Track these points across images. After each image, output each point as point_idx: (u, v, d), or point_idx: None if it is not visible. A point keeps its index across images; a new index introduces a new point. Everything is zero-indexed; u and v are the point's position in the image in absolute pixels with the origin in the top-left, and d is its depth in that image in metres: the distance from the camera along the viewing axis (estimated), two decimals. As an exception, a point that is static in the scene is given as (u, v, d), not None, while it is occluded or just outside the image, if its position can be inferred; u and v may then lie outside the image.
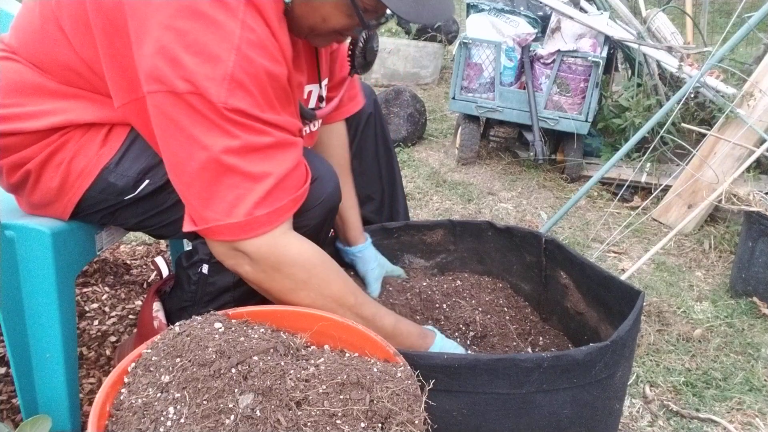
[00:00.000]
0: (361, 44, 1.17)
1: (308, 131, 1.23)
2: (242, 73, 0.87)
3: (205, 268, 1.09)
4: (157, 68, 0.87)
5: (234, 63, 0.86)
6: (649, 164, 2.69)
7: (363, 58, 1.19)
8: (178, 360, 0.81)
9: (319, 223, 1.06)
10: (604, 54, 2.72)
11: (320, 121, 1.28)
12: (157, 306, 1.26)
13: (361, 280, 1.46)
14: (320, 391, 0.79)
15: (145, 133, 1.00)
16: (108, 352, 1.48)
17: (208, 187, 0.91)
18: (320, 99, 1.25)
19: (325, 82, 1.26)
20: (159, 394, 0.78)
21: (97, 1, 0.92)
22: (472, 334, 1.39)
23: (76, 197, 1.04)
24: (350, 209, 1.40)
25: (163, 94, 0.87)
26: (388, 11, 1.00)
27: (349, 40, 1.18)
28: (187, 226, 0.96)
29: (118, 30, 0.91)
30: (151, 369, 0.82)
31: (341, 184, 1.23)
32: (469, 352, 1.22)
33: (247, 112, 0.88)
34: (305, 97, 1.20)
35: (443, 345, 1.12)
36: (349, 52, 1.19)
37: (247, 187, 0.91)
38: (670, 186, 2.53)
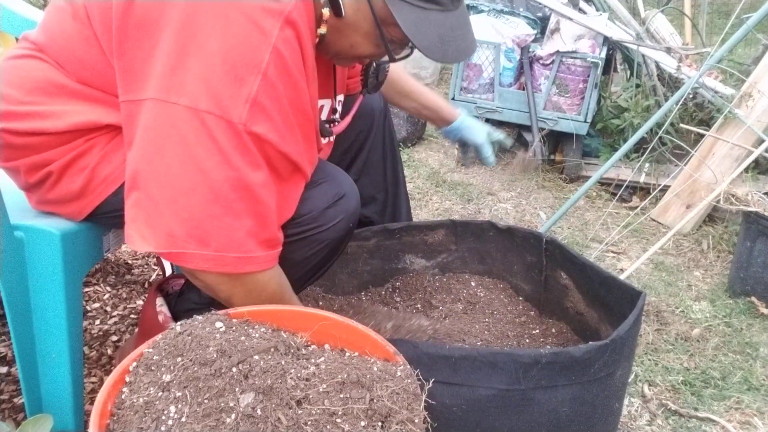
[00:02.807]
0: (374, 65, 1.20)
1: (324, 141, 1.25)
2: (265, 97, 0.87)
3: None
4: (183, 83, 0.86)
5: (258, 87, 0.86)
6: (647, 164, 2.69)
7: (375, 79, 1.22)
8: (179, 359, 0.82)
9: (343, 235, 1.11)
10: (603, 55, 2.72)
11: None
12: (160, 301, 1.27)
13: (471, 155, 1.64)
14: (320, 390, 0.80)
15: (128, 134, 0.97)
16: (110, 352, 1.49)
17: (194, 209, 0.89)
18: (333, 111, 1.26)
19: (340, 97, 1.28)
20: (160, 393, 0.78)
21: (125, 3, 0.90)
22: (472, 334, 1.40)
23: (96, 201, 1.03)
24: (425, 95, 1.56)
25: (179, 107, 0.86)
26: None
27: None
28: (142, 244, 0.91)
29: (140, 30, 0.90)
30: (153, 368, 0.82)
31: (405, 84, 1.53)
32: None
33: (263, 137, 0.88)
34: (320, 112, 1.21)
35: None
36: (362, 73, 1.22)
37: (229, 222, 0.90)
38: (669, 186, 2.53)
